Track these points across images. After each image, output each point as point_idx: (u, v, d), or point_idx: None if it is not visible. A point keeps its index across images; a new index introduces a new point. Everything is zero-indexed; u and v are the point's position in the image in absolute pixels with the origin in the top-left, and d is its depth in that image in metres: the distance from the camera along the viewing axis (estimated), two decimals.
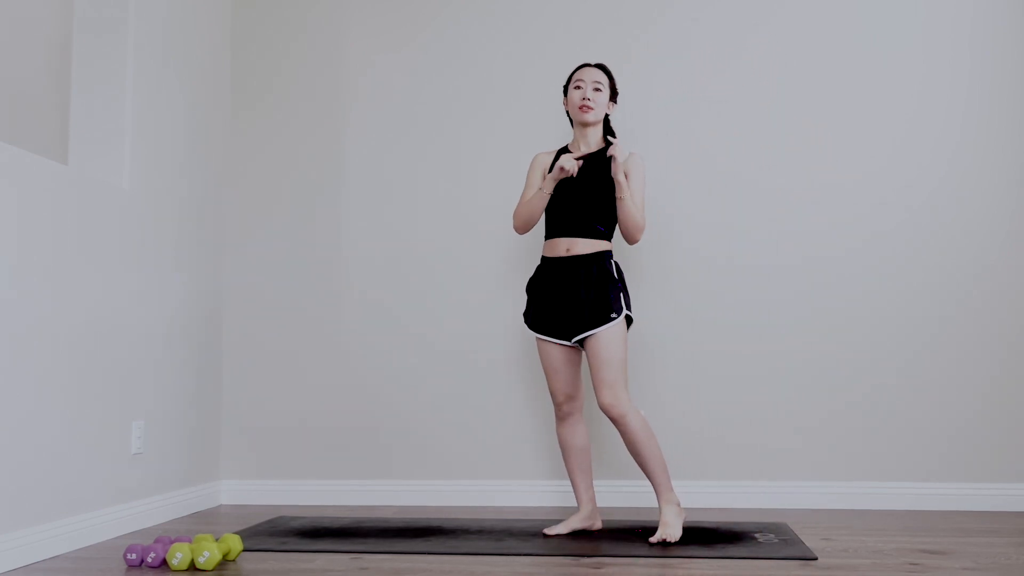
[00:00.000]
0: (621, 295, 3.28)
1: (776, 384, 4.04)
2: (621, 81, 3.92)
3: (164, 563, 2.81)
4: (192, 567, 2.77)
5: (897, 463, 3.97)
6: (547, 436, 4.11)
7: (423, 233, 4.25)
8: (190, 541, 2.85)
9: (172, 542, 2.84)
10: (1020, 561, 2.85)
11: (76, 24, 3.56)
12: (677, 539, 3.13)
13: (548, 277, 3.35)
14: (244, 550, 3.01)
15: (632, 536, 3.26)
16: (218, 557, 2.75)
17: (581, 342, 3.30)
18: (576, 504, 3.47)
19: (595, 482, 3.79)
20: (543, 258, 3.39)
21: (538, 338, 3.39)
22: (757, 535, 3.26)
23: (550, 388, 3.41)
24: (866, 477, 3.97)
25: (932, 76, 4.10)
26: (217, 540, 2.92)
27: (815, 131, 4.12)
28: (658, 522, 3.23)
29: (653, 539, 3.12)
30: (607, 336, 3.22)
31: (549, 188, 3.32)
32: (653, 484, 3.25)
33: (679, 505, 3.26)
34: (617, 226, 3.37)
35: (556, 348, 3.36)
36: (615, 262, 3.34)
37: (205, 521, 3.72)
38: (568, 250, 3.31)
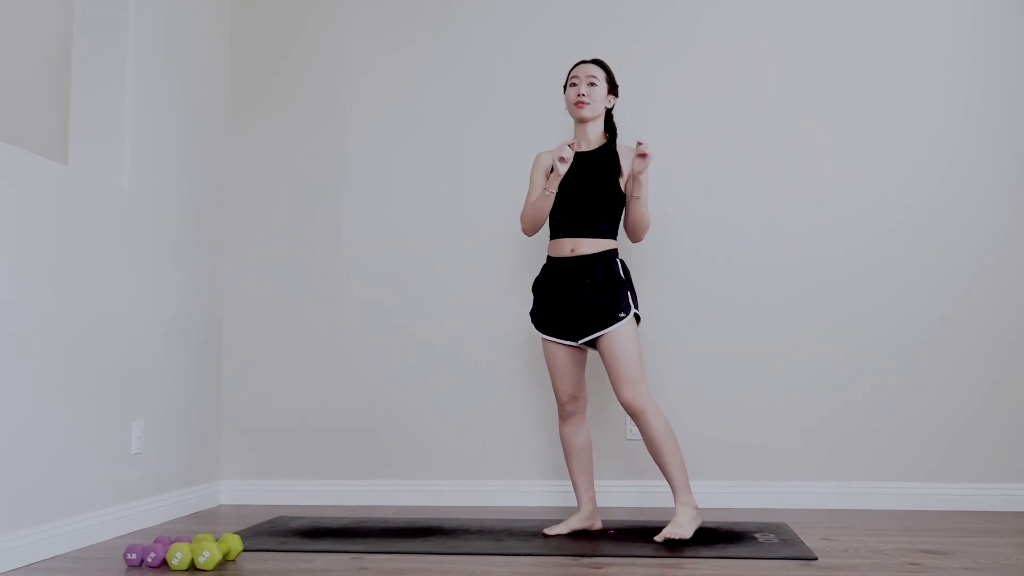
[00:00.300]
0: (628, 294, 3.28)
1: (776, 384, 4.04)
2: (621, 81, 3.92)
3: (164, 563, 2.81)
4: (192, 567, 2.77)
5: (897, 463, 3.97)
6: (547, 436, 4.11)
7: (423, 233, 4.26)
8: (190, 541, 2.85)
9: (172, 542, 2.84)
10: (1020, 561, 2.85)
11: (76, 24, 3.56)
12: (686, 539, 3.10)
13: (554, 277, 3.35)
14: (244, 550, 3.01)
15: (633, 536, 3.25)
16: (218, 557, 2.75)
17: (591, 343, 3.30)
18: (576, 504, 3.46)
19: (597, 482, 3.80)
20: (549, 258, 3.39)
21: (544, 339, 3.39)
22: (757, 535, 3.26)
23: (555, 388, 3.41)
24: (866, 477, 3.97)
25: (932, 76, 4.10)
26: (217, 540, 2.92)
27: (815, 131, 4.12)
28: (659, 524, 3.23)
29: (658, 537, 3.10)
30: (619, 334, 3.22)
31: (553, 187, 3.31)
32: (670, 483, 3.23)
33: (696, 508, 3.22)
34: (621, 223, 3.36)
35: (562, 349, 3.36)
36: (621, 260, 3.34)
37: (205, 521, 3.72)
38: (573, 250, 3.30)
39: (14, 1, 4.18)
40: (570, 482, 4.02)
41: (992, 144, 4.05)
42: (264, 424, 4.25)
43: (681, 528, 3.13)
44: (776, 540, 3.15)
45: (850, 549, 3.03)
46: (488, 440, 4.15)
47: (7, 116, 4.08)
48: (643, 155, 3.20)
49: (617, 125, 3.51)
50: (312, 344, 4.26)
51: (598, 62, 3.43)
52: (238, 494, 4.22)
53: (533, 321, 3.42)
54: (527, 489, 4.09)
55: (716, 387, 4.05)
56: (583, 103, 3.35)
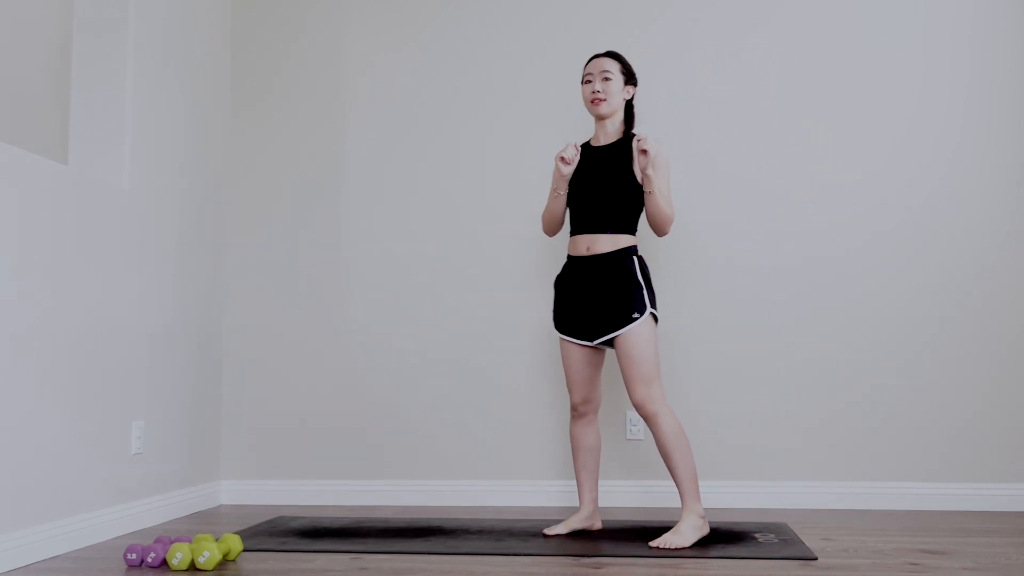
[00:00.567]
0: (644, 293, 3.20)
1: (776, 384, 4.04)
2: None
3: (164, 563, 2.81)
4: (192, 567, 2.77)
5: (897, 463, 3.97)
6: (547, 436, 4.11)
7: (423, 233, 4.25)
8: (190, 541, 2.85)
9: (172, 542, 2.84)
10: (1020, 561, 2.85)
11: (76, 24, 3.56)
12: (683, 547, 3.04)
13: (571, 276, 3.33)
14: (244, 550, 3.01)
15: (633, 536, 3.25)
16: (218, 557, 2.75)
17: (607, 343, 3.27)
18: (578, 504, 3.46)
19: (602, 482, 3.80)
20: (568, 256, 3.37)
21: (560, 338, 3.37)
22: (757, 535, 3.25)
23: (568, 387, 3.38)
24: (866, 477, 3.97)
25: (932, 76, 4.10)
26: (217, 540, 2.92)
27: (815, 131, 4.12)
28: (659, 524, 3.22)
29: (653, 543, 3.07)
30: (634, 335, 3.17)
31: (562, 188, 3.31)
32: (679, 489, 3.16)
33: (703, 518, 3.14)
34: (645, 218, 3.32)
35: (577, 349, 3.34)
36: (637, 258, 3.27)
37: (205, 521, 3.72)
38: (588, 249, 3.28)
39: (14, 1, 4.18)
40: (572, 481, 4.03)
41: (992, 144, 4.05)
42: (264, 424, 4.25)
43: (681, 537, 3.07)
44: (776, 540, 3.15)
45: (850, 549, 3.03)
46: (488, 440, 4.15)
47: (7, 116, 4.08)
48: (643, 151, 3.20)
49: (637, 115, 3.44)
50: (312, 344, 4.26)
51: (612, 54, 3.38)
52: (238, 494, 4.22)
53: (553, 320, 3.41)
54: (527, 489, 4.09)
55: (716, 387, 4.05)
56: (599, 99, 3.32)
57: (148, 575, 2.73)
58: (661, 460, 4.01)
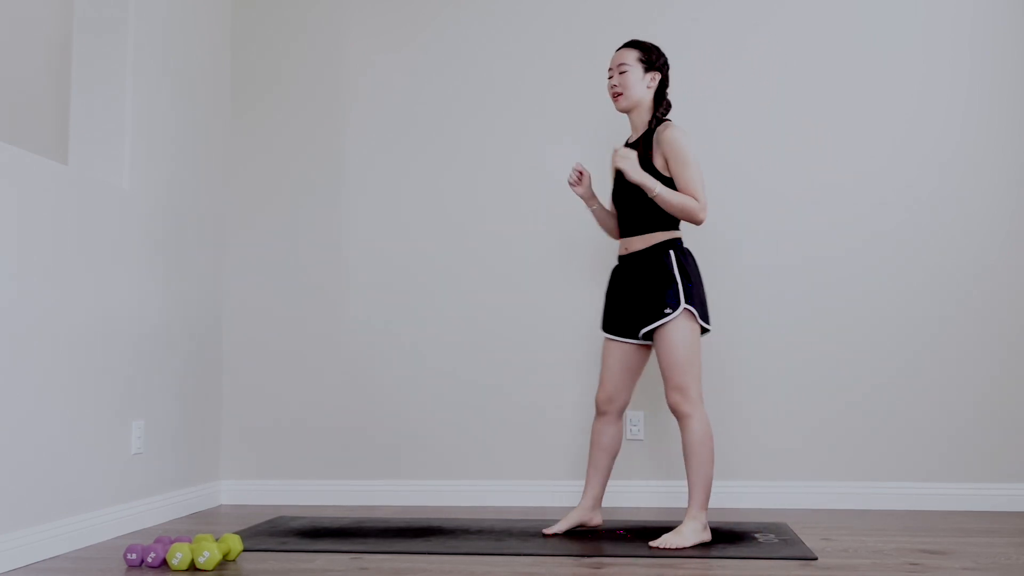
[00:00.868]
0: (679, 288, 3.12)
1: (776, 384, 4.04)
2: None
3: (164, 563, 2.80)
4: (192, 567, 2.76)
5: (897, 463, 3.97)
6: (547, 436, 4.11)
7: (423, 233, 4.25)
8: (190, 541, 2.85)
9: (172, 542, 2.84)
10: (1020, 561, 2.85)
11: (76, 24, 3.56)
12: (677, 547, 3.03)
13: (615, 276, 3.34)
14: (244, 550, 3.01)
15: (633, 536, 3.25)
16: (218, 557, 2.75)
17: (648, 341, 3.24)
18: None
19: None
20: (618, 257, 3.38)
21: (604, 336, 3.37)
22: (757, 535, 3.25)
23: (599, 384, 3.38)
24: (866, 477, 3.97)
25: (932, 76, 4.10)
26: (217, 540, 2.92)
27: (815, 131, 4.12)
28: (659, 524, 3.21)
29: (653, 543, 3.06)
30: (667, 335, 3.13)
31: (591, 204, 3.37)
32: (689, 493, 3.13)
33: (705, 529, 3.10)
34: None
35: (615, 346, 3.32)
36: (676, 252, 3.18)
37: (205, 521, 3.72)
38: (627, 248, 3.28)
39: (14, 1, 4.18)
40: (572, 481, 4.04)
41: (992, 144, 4.05)
42: (264, 424, 4.25)
43: (681, 537, 3.05)
44: (776, 540, 3.15)
45: (850, 549, 3.03)
46: (488, 440, 4.15)
47: (7, 116, 4.08)
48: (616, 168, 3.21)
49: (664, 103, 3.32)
50: (312, 344, 4.26)
51: (631, 43, 3.31)
52: (238, 494, 4.22)
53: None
54: (527, 489, 4.09)
55: (716, 387, 4.04)
56: (617, 94, 3.29)
57: (148, 575, 2.73)
58: (661, 460, 4.02)
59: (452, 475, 4.15)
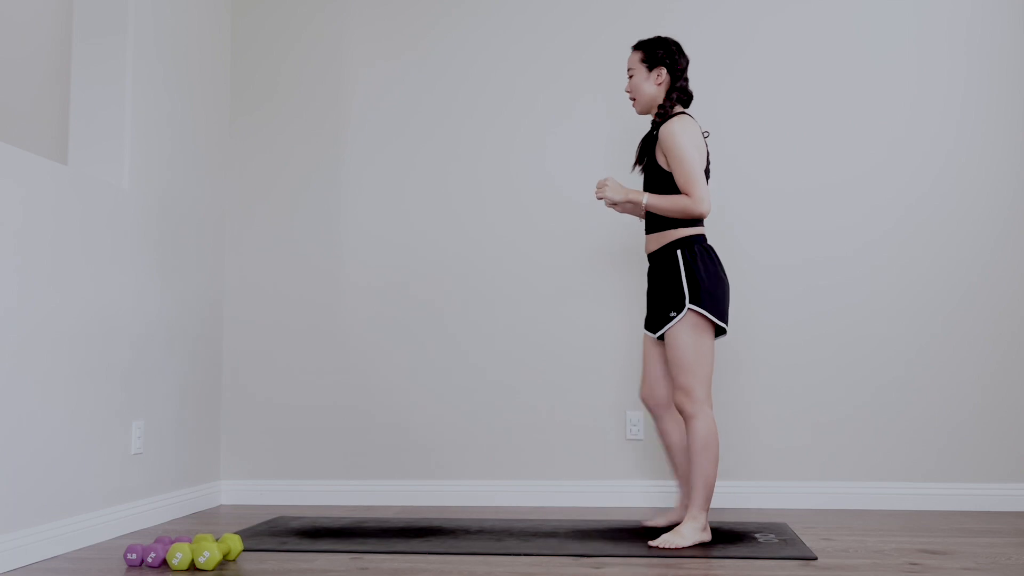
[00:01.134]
0: (684, 290, 3.10)
1: (776, 385, 4.04)
2: (622, 84, 3.92)
3: (164, 563, 2.81)
4: (192, 567, 2.77)
5: (897, 463, 3.97)
6: (546, 436, 4.11)
7: (422, 233, 4.25)
8: (190, 541, 2.85)
9: (172, 542, 2.84)
10: (1020, 561, 2.85)
11: (76, 24, 3.56)
12: (676, 547, 3.03)
13: (648, 274, 3.35)
14: (244, 550, 3.01)
15: (633, 536, 3.25)
16: (218, 557, 2.75)
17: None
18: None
19: (599, 481, 3.80)
20: None
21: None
22: (757, 535, 3.25)
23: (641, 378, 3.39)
24: (866, 477, 3.97)
25: (930, 76, 4.10)
26: (217, 540, 2.92)
27: (815, 131, 4.11)
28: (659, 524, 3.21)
29: (652, 543, 3.06)
30: (673, 337, 3.13)
31: (625, 210, 3.32)
32: (691, 494, 3.13)
33: (704, 530, 3.10)
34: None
35: (649, 343, 3.33)
36: (684, 251, 3.14)
37: (205, 521, 3.72)
38: (647, 248, 3.29)
39: (14, 1, 4.18)
40: (572, 481, 4.04)
41: (993, 144, 4.04)
42: (264, 424, 4.25)
43: (681, 537, 3.05)
44: (776, 540, 3.15)
45: (850, 549, 3.03)
46: (488, 440, 4.15)
47: (7, 116, 4.08)
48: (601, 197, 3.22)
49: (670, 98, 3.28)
50: (312, 344, 4.26)
51: (634, 45, 3.33)
52: (238, 494, 4.22)
53: None
54: (527, 489, 4.09)
55: (716, 387, 4.04)
56: (632, 99, 3.33)
57: (148, 575, 2.73)
58: (661, 460, 4.02)
59: (452, 475, 4.15)
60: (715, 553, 2.96)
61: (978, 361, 3.98)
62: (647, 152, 3.27)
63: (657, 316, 3.23)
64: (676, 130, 3.13)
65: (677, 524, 3.28)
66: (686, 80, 3.29)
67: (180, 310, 3.89)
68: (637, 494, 4.03)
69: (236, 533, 3.13)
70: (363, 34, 4.35)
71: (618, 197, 3.21)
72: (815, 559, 2.87)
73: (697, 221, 3.19)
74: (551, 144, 4.21)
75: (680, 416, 3.26)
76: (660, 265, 3.21)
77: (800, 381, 4.03)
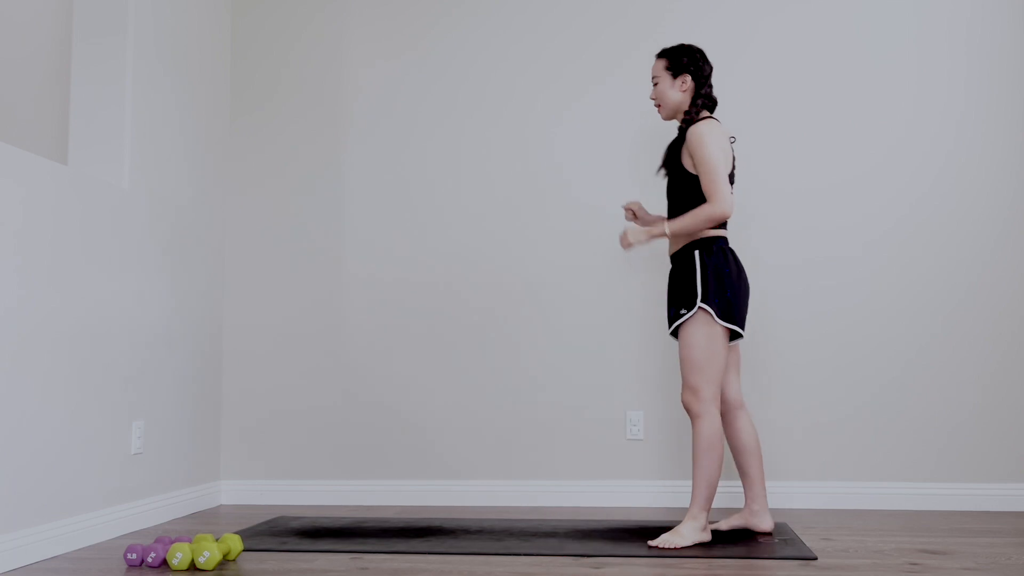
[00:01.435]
0: (697, 288, 3.10)
1: (776, 385, 4.04)
2: (622, 85, 3.93)
3: (164, 563, 2.81)
4: (192, 567, 2.77)
5: (897, 463, 3.97)
6: (547, 436, 4.11)
7: (423, 234, 4.25)
8: (190, 541, 2.85)
9: (172, 542, 2.84)
10: (1020, 561, 2.85)
11: (76, 24, 3.56)
12: (676, 547, 3.03)
13: None
14: (244, 550, 3.01)
15: (633, 536, 3.25)
16: (218, 557, 2.75)
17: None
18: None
19: (599, 480, 3.79)
20: None
21: None
22: (757, 535, 3.25)
23: None
24: (866, 477, 3.97)
25: (930, 76, 4.10)
26: (217, 540, 2.92)
27: (815, 132, 4.11)
28: (660, 524, 3.20)
29: (652, 542, 3.07)
30: (683, 335, 3.14)
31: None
32: (692, 493, 3.13)
33: (704, 530, 3.10)
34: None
35: (722, 345, 3.29)
36: (701, 252, 3.15)
37: (205, 521, 3.72)
38: (670, 250, 3.30)
39: (14, 1, 4.18)
40: (571, 481, 4.04)
41: (993, 144, 4.04)
42: (264, 424, 4.25)
43: (680, 537, 3.05)
44: (776, 540, 3.15)
45: (850, 549, 3.03)
46: (488, 440, 4.15)
47: (7, 116, 4.08)
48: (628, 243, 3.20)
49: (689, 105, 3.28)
50: (312, 344, 4.26)
51: (659, 53, 3.33)
52: (238, 494, 4.22)
53: None
54: (528, 489, 4.09)
55: None
56: (657, 107, 3.34)
57: (148, 575, 2.73)
58: (661, 460, 4.02)
59: (452, 475, 4.15)
60: (715, 553, 2.96)
61: (978, 361, 3.98)
62: (673, 156, 3.28)
63: (671, 313, 3.24)
64: (703, 131, 3.16)
65: (743, 528, 3.30)
66: (711, 87, 3.30)
67: (180, 310, 3.89)
68: (637, 494, 4.03)
69: (236, 533, 3.13)
70: (363, 34, 4.36)
71: (643, 240, 3.20)
72: (815, 559, 2.87)
73: (720, 224, 3.20)
74: (553, 143, 4.21)
75: (734, 419, 3.27)
76: (679, 264, 3.23)
77: (800, 381, 4.03)
